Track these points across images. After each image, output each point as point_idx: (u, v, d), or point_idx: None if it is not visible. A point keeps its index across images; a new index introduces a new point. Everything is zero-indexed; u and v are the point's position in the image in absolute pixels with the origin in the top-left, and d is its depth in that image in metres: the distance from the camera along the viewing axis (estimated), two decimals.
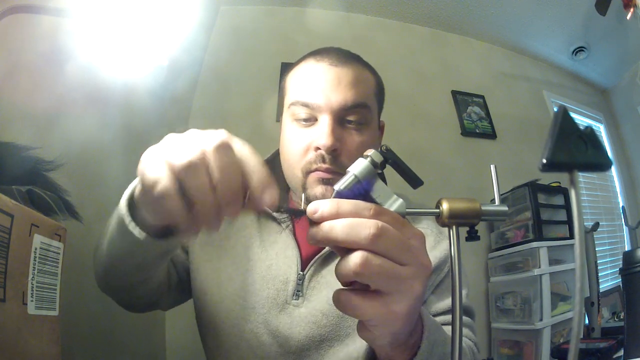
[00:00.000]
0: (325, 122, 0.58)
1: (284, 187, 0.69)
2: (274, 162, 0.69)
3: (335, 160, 0.58)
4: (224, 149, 0.33)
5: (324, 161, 0.57)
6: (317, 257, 0.61)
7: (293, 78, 0.65)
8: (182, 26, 0.91)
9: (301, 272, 0.61)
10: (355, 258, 0.31)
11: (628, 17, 1.55)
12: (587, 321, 1.52)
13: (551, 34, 2.15)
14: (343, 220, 0.32)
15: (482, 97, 2.07)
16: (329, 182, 0.57)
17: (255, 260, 0.64)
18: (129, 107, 1.14)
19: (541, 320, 1.44)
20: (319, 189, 0.58)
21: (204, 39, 1.70)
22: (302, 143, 0.60)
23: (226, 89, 1.70)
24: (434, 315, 0.60)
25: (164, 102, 1.37)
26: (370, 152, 0.39)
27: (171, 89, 1.39)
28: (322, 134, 0.57)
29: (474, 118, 2.00)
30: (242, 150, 0.34)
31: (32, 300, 0.44)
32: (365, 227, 0.32)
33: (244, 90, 1.72)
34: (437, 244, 0.63)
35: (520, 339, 1.50)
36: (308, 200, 0.60)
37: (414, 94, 1.96)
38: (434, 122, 1.95)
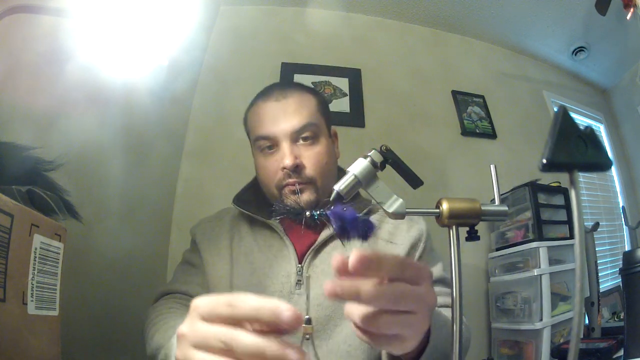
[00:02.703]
0: (284, 147, 0.72)
1: (269, 202, 0.79)
2: (256, 185, 0.83)
3: (300, 173, 0.72)
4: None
5: (290, 177, 0.71)
6: (309, 250, 0.72)
7: (251, 118, 0.79)
8: (182, 26, 0.91)
9: (299, 265, 0.72)
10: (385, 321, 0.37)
11: (628, 17, 1.55)
12: (587, 321, 1.52)
13: (551, 34, 2.15)
14: (365, 295, 0.36)
15: (482, 97, 2.07)
16: (298, 192, 0.71)
17: (257, 263, 0.74)
18: (129, 107, 1.14)
19: (541, 320, 1.43)
20: (292, 198, 0.72)
21: (203, 39, 1.70)
22: (271, 167, 0.74)
23: (226, 89, 1.69)
24: None
25: (164, 102, 1.37)
26: (370, 152, 0.39)
27: (171, 89, 1.39)
28: (283, 156, 0.71)
29: (474, 118, 2.00)
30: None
31: (32, 300, 0.44)
32: (386, 297, 0.36)
33: (244, 90, 1.70)
34: (411, 228, 0.76)
35: (520, 339, 1.50)
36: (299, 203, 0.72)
37: (414, 94, 1.96)
38: (434, 122, 1.94)
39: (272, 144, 0.74)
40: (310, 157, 0.73)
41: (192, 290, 0.75)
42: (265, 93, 0.78)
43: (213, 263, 0.76)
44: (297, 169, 0.71)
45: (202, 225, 0.84)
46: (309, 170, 0.72)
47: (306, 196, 0.72)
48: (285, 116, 0.73)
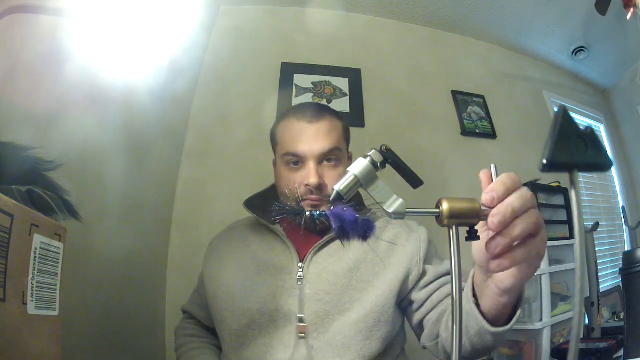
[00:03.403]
0: (311, 166, 0.78)
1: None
2: (268, 193, 0.90)
3: (321, 191, 0.78)
4: None
5: (312, 193, 0.77)
6: (310, 250, 0.79)
7: (282, 133, 0.84)
8: (182, 26, 0.91)
9: (301, 263, 0.78)
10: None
11: (628, 17, 1.55)
12: (587, 321, 1.52)
13: (551, 34, 2.15)
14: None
15: (482, 97, 2.07)
16: (317, 207, 0.77)
17: (262, 265, 0.80)
18: (129, 107, 1.14)
19: (541, 320, 1.43)
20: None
21: (204, 39, 1.70)
22: (294, 181, 0.79)
23: (226, 89, 1.69)
24: (440, 277, 0.77)
25: (164, 102, 1.37)
26: (370, 152, 0.39)
27: (171, 89, 1.39)
28: (309, 175, 0.77)
29: (474, 118, 2.00)
30: None
31: (32, 300, 0.44)
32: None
33: (244, 90, 1.72)
34: (409, 237, 0.81)
35: (520, 339, 1.50)
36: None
37: (414, 94, 1.96)
38: (434, 122, 1.94)
39: (299, 161, 0.80)
40: (332, 177, 0.80)
41: (193, 311, 0.92)
42: (300, 112, 0.83)
43: (215, 276, 0.84)
44: (319, 187, 0.78)
45: (212, 244, 0.92)
46: (329, 189, 0.78)
47: None
48: (316, 138, 0.79)
